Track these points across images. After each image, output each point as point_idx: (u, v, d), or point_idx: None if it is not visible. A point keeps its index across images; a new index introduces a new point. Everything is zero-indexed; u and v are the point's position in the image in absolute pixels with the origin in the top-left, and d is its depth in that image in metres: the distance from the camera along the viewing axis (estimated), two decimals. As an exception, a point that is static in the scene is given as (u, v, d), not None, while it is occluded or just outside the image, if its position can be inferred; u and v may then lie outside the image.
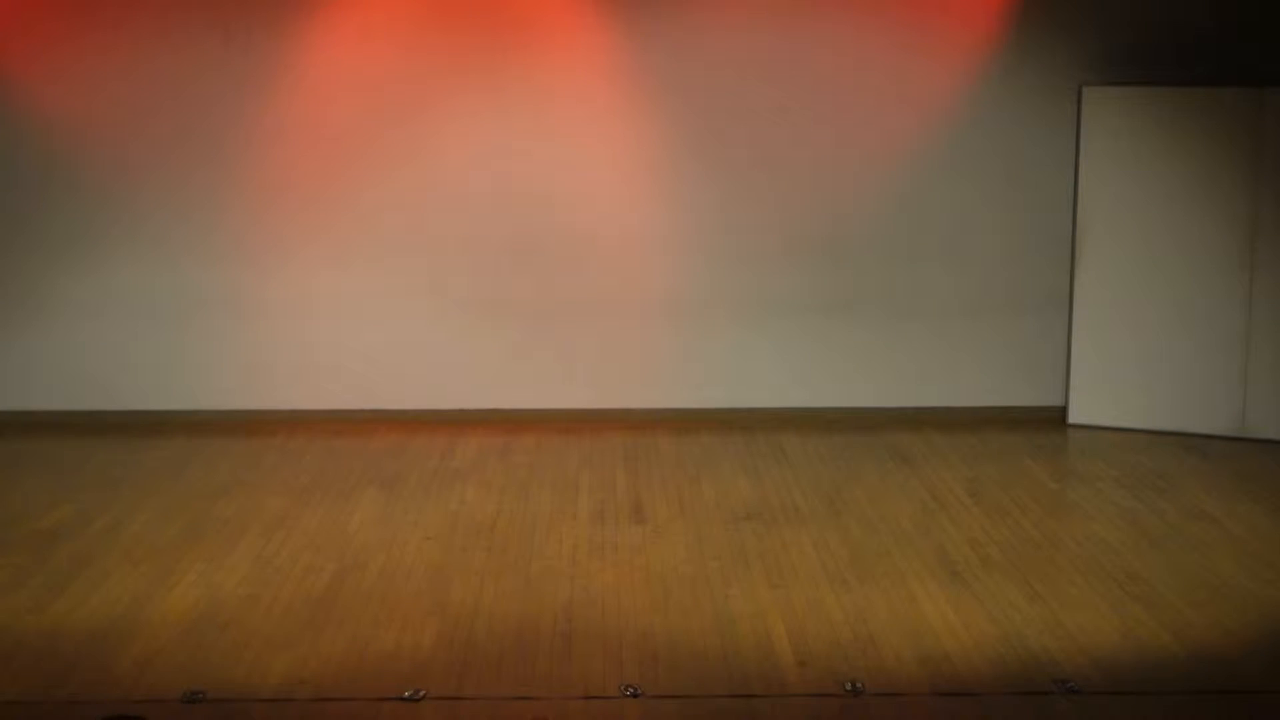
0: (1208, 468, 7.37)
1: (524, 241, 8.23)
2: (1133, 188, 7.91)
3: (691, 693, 4.73)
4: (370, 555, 6.07)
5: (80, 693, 4.73)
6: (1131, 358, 8.03)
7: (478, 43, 8.07)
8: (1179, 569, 5.87)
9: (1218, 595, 5.59)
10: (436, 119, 8.14)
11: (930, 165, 8.20)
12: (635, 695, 4.69)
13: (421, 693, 4.71)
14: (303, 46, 8.05)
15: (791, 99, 8.15)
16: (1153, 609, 5.44)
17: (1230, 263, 7.80)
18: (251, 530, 6.39)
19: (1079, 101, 7.97)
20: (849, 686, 4.75)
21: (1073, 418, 8.20)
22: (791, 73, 8.13)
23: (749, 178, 8.22)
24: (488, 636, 5.18)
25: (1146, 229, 7.92)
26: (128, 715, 3.78)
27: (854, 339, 8.37)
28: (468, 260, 8.25)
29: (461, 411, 8.34)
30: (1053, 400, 8.35)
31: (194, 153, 8.09)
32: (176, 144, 8.08)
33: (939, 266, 8.31)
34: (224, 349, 8.28)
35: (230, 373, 8.30)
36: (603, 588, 5.67)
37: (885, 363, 8.39)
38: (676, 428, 8.18)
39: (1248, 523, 6.47)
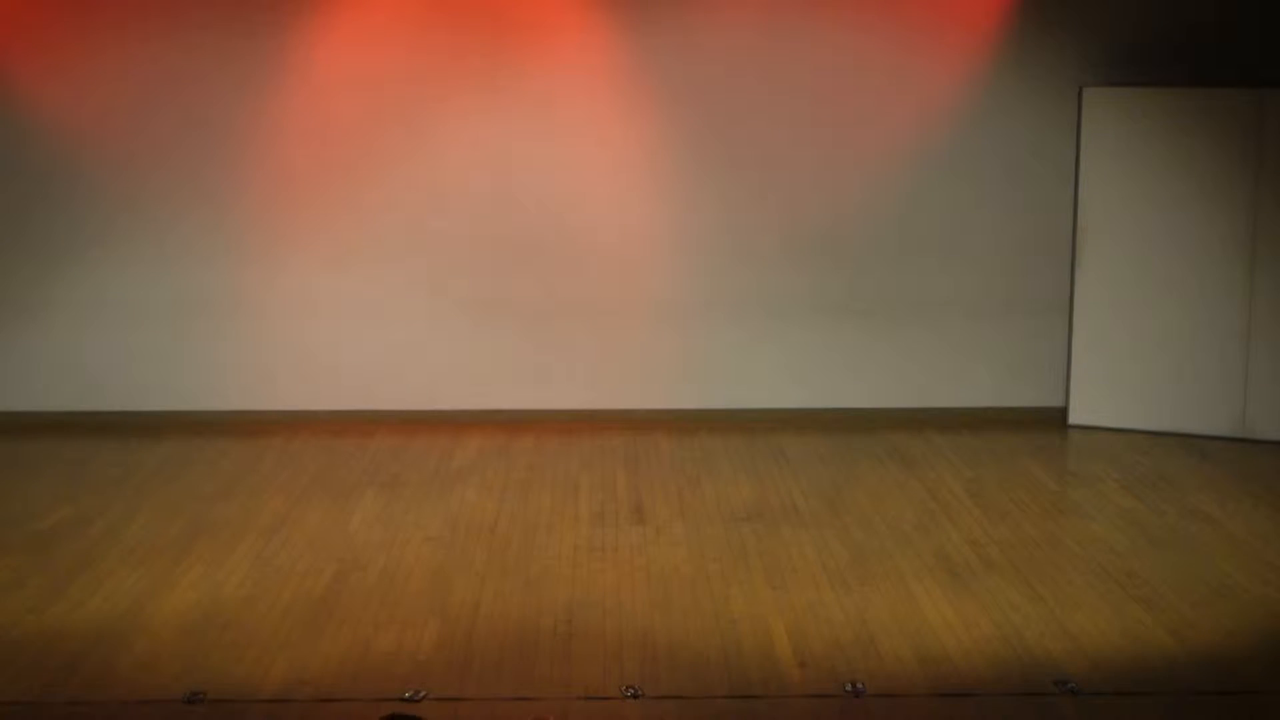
0: (1208, 468, 7.37)
1: (524, 242, 8.24)
2: (1133, 188, 7.91)
3: (691, 693, 4.73)
4: (370, 556, 6.07)
5: (81, 694, 4.73)
6: (1131, 358, 8.03)
7: (478, 43, 8.07)
8: (1179, 569, 5.87)
9: (1218, 595, 5.59)
10: (437, 119, 8.14)
11: (930, 165, 8.21)
12: (635, 696, 4.69)
13: (422, 693, 4.71)
14: (303, 47, 8.06)
15: (791, 99, 8.15)
16: (1153, 609, 5.44)
17: (1230, 263, 7.80)
18: (252, 531, 6.39)
19: (1079, 102, 7.97)
20: (849, 687, 4.75)
21: (1073, 418, 8.20)
22: (791, 73, 8.13)
23: (749, 178, 8.23)
24: (488, 637, 5.18)
25: (1146, 229, 7.92)
26: (406, 715, 3.77)
27: (854, 339, 8.37)
28: (468, 260, 8.26)
29: (461, 412, 8.35)
30: (1053, 401, 8.35)
31: (194, 153, 8.10)
32: (176, 144, 8.09)
33: (939, 267, 8.31)
34: (224, 349, 8.28)
35: (230, 373, 8.30)
36: (603, 588, 5.67)
37: (885, 363, 8.39)
38: (676, 428, 8.19)
39: (1248, 523, 6.47)
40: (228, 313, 8.25)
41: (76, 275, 8.19)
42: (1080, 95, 7.96)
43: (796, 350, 8.38)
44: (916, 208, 8.25)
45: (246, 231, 8.20)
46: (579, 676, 4.85)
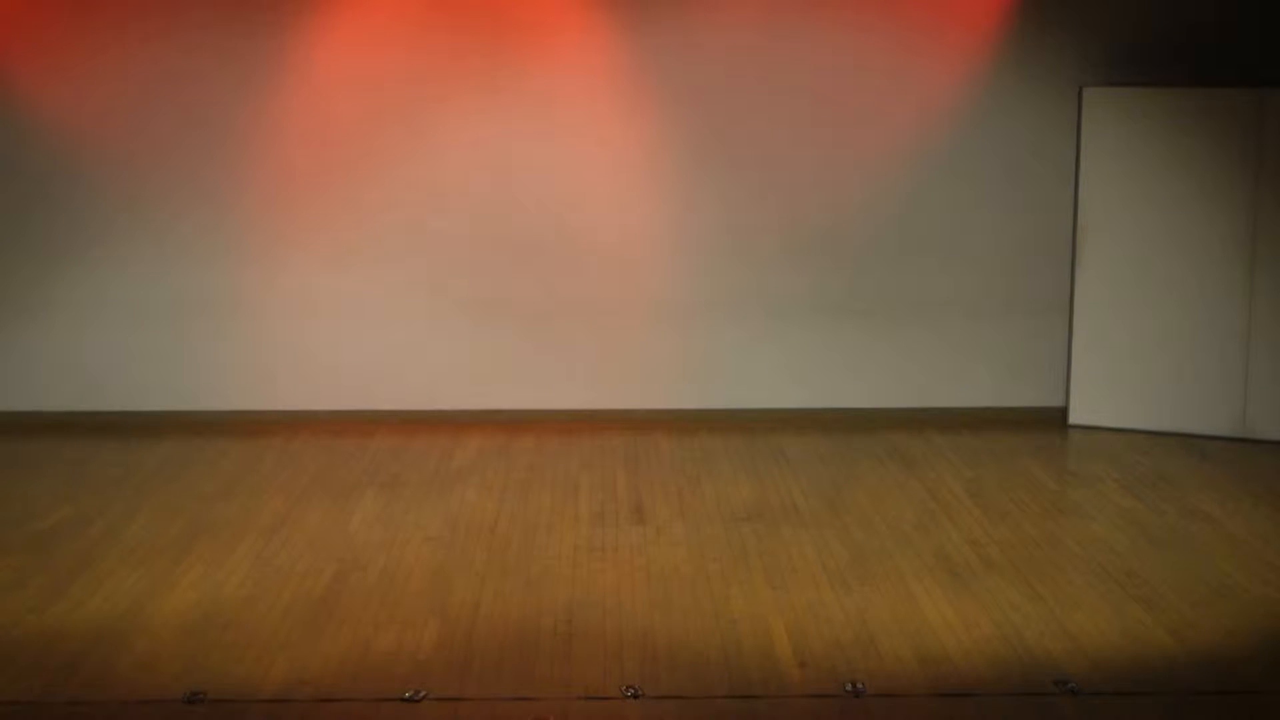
0: (1208, 468, 7.38)
1: (524, 242, 8.24)
2: (1133, 188, 7.92)
3: (691, 693, 4.73)
4: (370, 556, 6.07)
5: (81, 694, 4.73)
6: (1131, 358, 8.03)
7: (478, 43, 8.08)
8: (1179, 569, 5.87)
9: (1218, 595, 5.59)
10: (437, 119, 8.14)
11: (930, 165, 8.21)
12: (635, 696, 4.69)
13: (422, 693, 4.71)
14: (303, 47, 8.06)
15: (791, 99, 8.15)
16: (1153, 609, 5.44)
17: (1231, 263, 7.80)
18: (252, 531, 6.40)
19: (1079, 101, 7.97)
20: (849, 687, 4.75)
21: (1073, 418, 8.20)
22: (791, 73, 8.13)
23: (749, 178, 8.23)
24: (488, 637, 5.18)
25: (1146, 229, 7.92)
26: None
27: (854, 339, 8.37)
28: (468, 260, 8.26)
29: (461, 412, 8.35)
30: (1053, 400, 8.35)
31: (194, 153, 8.10)
32: (176, 144, 8.09)
33: (939, 267, 8.31)
34: (224, 349, 8.29)
35: (230, 373, 8.30)
36: (603, 588, 5.67)
37: (885, 363, 8.40)
38: (676, 428, 8.19)
39: (1248, 523, 6.47)
40: (228, 313, 8.25)
41: (76, 275, 8.19)
42: (1080, 95, 7.96)
43: (796, 350, 8.39)
44: (916, 208, 8.25)
45: (246, 231, 8.20)
46: (579, 676, 4.85)
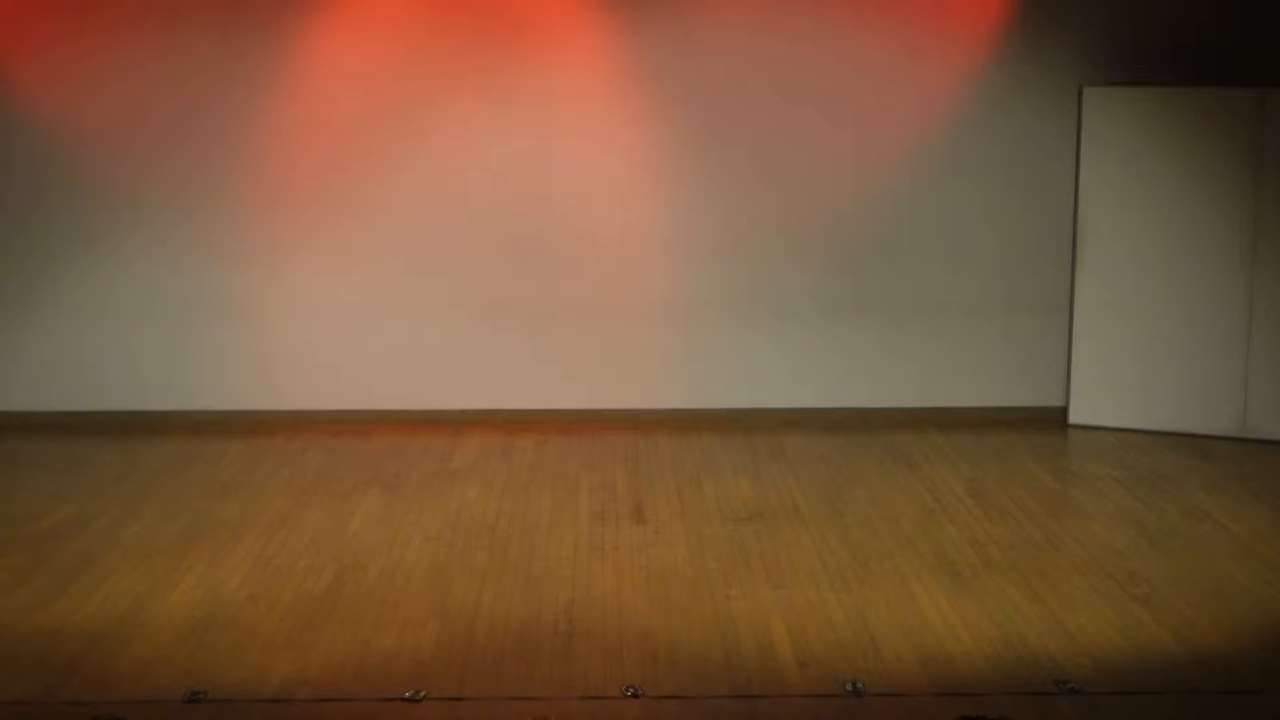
0: (1208, 468, 7.38)
1: (524, 241, 8.24)
2: (1133, 188, 7.92)
3: (692, 693, 4.73)
4: (371, 556, 6.07)
5: (81, 693, 4.73)
6: (1131, 358, 8.03)
7: (478, 43, 8.08)
8: (1179, 569, 5.87)
9: (1218, 595, 5.60)
10: (437, 119, 8.14)
11: (930, 165, 8.21)
12: (636, 696, 4.69)
13: (422, 693, 4.71)
14: (303, 46, 8.06)
15: (791, 99, 8.15)
16: (1153, 609, 5.44)
17: (1231, 263, 7.80)
18: (252, 531, 6.40)
19: (1079, 101, 7.97)
20: (849, 687, 4.75)
21: (1073, 418, 8.21)
22: (791, 73, 8.14)
23: (749, 178, 8.23)
24: (488, 637, 5.19)
25: (1147, 229, 7.92)
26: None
27: (854, 339, 8.37)
28: (468, 260, 8.26)
29: (461, 411, 8.35)
30: (1053, 400, 8.35)
31: (195, 153, 8.10)
32: (177, 144, 8.09)
33: (939, 266, 8.32)
34: (224, 349, 8.29)
35: (230, 373, 8.30)
36: (603, 588, 5.67)
37: (885, 363, 8.40)
38: (676, 428, 8.19)
39: (1248, 523, 6.48)
40: (228, 313, 8.25)
41: (77, 275, 8.19)
42: (1080, 95, 7.97)
43: (796, 350, 8.39)
44: (916, 207, 8.25)
45: (247, 231, 8.20)
46: (579, 676, 4.85)
